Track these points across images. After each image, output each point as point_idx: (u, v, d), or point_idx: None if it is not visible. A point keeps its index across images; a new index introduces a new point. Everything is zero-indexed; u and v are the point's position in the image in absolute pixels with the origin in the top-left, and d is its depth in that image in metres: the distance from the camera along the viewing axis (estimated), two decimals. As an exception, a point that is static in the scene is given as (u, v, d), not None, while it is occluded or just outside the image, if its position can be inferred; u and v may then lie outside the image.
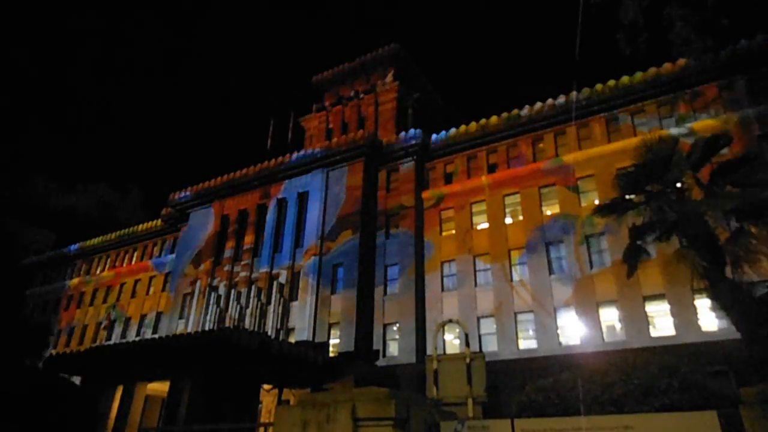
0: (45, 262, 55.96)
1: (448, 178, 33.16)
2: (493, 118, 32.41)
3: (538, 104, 31.08)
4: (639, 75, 28.44)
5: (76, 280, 50.95)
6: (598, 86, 29.44)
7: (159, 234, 46.80)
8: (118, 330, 43.53)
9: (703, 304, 22.40)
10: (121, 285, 46.45)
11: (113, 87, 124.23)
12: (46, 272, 55.36)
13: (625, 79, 28.81)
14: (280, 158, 37.61)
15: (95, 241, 51.79)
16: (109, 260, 49.92)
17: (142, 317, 42.68)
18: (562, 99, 30.47)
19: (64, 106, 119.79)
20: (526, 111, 31.35)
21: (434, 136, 34.29)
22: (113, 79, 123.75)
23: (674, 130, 24.25)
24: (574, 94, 29.99)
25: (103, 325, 44.78)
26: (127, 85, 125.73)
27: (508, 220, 29.91)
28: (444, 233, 31.56)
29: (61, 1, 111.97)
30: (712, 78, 26.62)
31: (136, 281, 45.54)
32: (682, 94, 27.31)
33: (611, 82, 29.15)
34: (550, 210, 28.85)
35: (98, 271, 49.75)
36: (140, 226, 48.59)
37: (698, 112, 26.72)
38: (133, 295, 44.87)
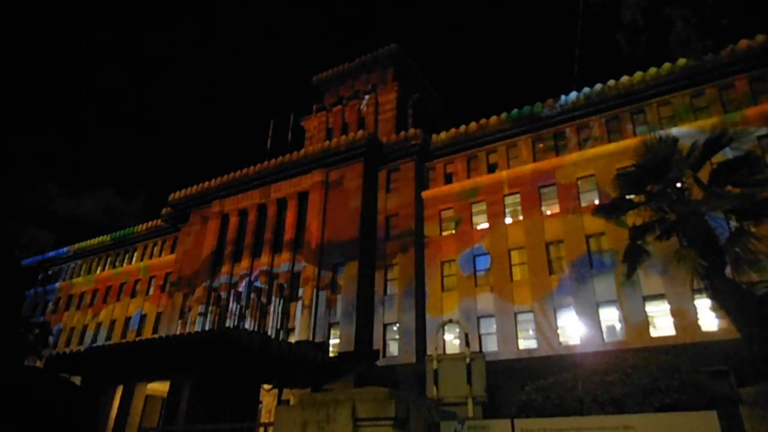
0: (45, 262, 55.93)
1: (449, 178, 33.18)
2: (493, 118, 32.43)
3: (538, 104, 31.11)
4: (639, 75, 28.46)
5: (76, 280, 50.94)
6: (598, 86, 29.48)
7: (159, 234, 46.79)
8: (117, 330, 43.53)
9: (703, 304, 22.40)
10: (121, 285, 46.44)
11: (114, 87, 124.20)
12: (46, 272, 55.34)
13: (625, 79, 28.83)
14: (280, 158, 37.61)
15: (95, 241, 51.78)
16: (109, 260, 49.91)
17: (142, 317, 42.68)
18: (561, 99, 30.50)
19: (68, 107, 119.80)
20: (526, 110, 31.39)
21: (434, 136, 34.30)
22: (114, 80, 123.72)
23: (674, 130, 24.23)
24: (573, 94, 30.06)
25: (102, 325, 44.78)
26: (128, 85, 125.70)
27: (508, 220, 29.92)
28: (444, 233, 31.56)
29: (65, 5, 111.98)
30: (712, 78, 26.63)
31: (136, 281, 45.52)
32: (679, 94, 27.37)
33: (610, 83, 29.18)
34: (549, 210, 28.87)
35: (98, 271, 49.74)
36: (140, 226, 48.56)
37: (698, 112, 26.74)
38: (133, 294, 44.86)
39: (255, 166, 38.48)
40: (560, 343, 25.30)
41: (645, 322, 23.79)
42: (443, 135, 33.89)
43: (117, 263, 48.83)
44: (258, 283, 34.08)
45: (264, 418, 25.56)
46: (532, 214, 28.98)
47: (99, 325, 45.26)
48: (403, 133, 35.06)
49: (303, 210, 35.31)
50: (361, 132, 35.29)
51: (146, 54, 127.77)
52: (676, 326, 22.90)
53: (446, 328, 27.99)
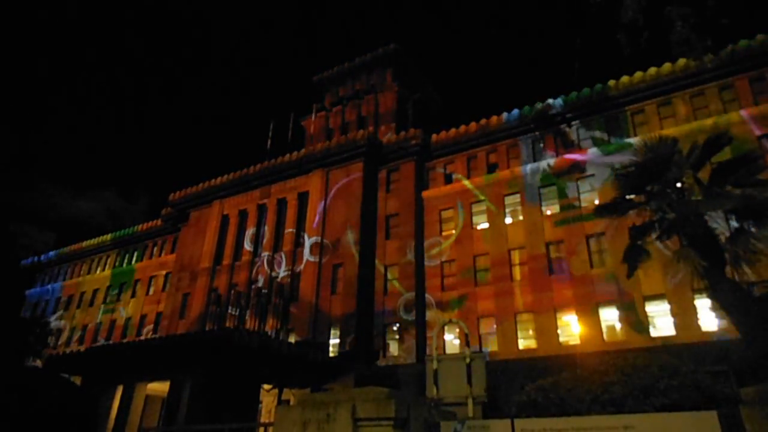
0: (45, 262, 55.93)
1: (449, 178, 33.16)
2: (493, 118, 32.40)
3: (539, 104, 31.11)
4: (639, 75, 28.46)
5: (76, 280, 50.93)
6: (598, 86, 29.47)
7: (159, 234, 46.77)
8: (117, 330, 43.52)
9: (703, 304, 22.41)
10: (121, 285, 46.44)
11: (115, 87, 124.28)
12: (47, 272, 55.35)
13: (625, 78, 28.82)
14: (280, 158, 37.63)
15: (95, 241, 51.78)
16: (109, 260, 49.91)
17: (143, 317, 42.68)
18: (560, 99, 30.49)
19: (69, 108, 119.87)
20: (526, 110, 31.37)
21: (434, 135, 34.27)
22: (115, 80, 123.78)
23: (674, 130, 24.24)
24: (574, 93, 30.07)
25: (102, 326, 44.77)
26: (129, 86, 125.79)
27: (508, 220, 29.91)
28: (444, 233, 31.54)
29: (65, 5, 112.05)
30: (712, 78, 26.63)
31: (137, 281, 45.51)
32: (679, 94, 27.38)
33: (611, 82, 29.17)
34: (549, 210, 28.87)
35: (98, 271, 49.73)
36: (140, 226, 48.56)
37: (698, 112, 26.74)
38: (133, 295, 44.86)
39: (255, 166, 38.50)
40: (560, 343, 25.30)
41: (645, 322, 23.79)
42: (443, 135, 33.87)
43: (117, 263, 48.82)
44: (258, 283, 34.06)
45: (264, 418, 25.56)
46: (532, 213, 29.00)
47: (99, 325, 45.25)
48: (403, 133, 35.04)
49: (303, 210, 35.31)
50: (361, 132, 35.28)
51: (147, 54, 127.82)
52: (676, 326, 22.91)
53: (446, 328, 27.98)
